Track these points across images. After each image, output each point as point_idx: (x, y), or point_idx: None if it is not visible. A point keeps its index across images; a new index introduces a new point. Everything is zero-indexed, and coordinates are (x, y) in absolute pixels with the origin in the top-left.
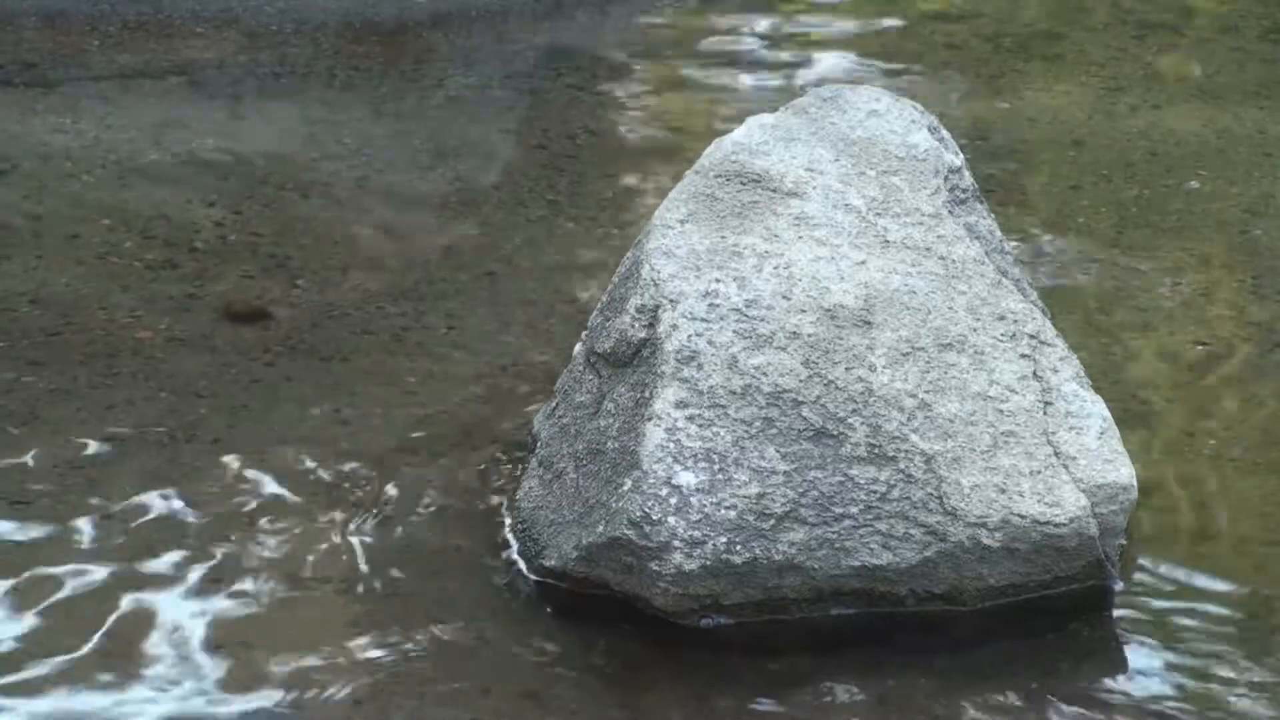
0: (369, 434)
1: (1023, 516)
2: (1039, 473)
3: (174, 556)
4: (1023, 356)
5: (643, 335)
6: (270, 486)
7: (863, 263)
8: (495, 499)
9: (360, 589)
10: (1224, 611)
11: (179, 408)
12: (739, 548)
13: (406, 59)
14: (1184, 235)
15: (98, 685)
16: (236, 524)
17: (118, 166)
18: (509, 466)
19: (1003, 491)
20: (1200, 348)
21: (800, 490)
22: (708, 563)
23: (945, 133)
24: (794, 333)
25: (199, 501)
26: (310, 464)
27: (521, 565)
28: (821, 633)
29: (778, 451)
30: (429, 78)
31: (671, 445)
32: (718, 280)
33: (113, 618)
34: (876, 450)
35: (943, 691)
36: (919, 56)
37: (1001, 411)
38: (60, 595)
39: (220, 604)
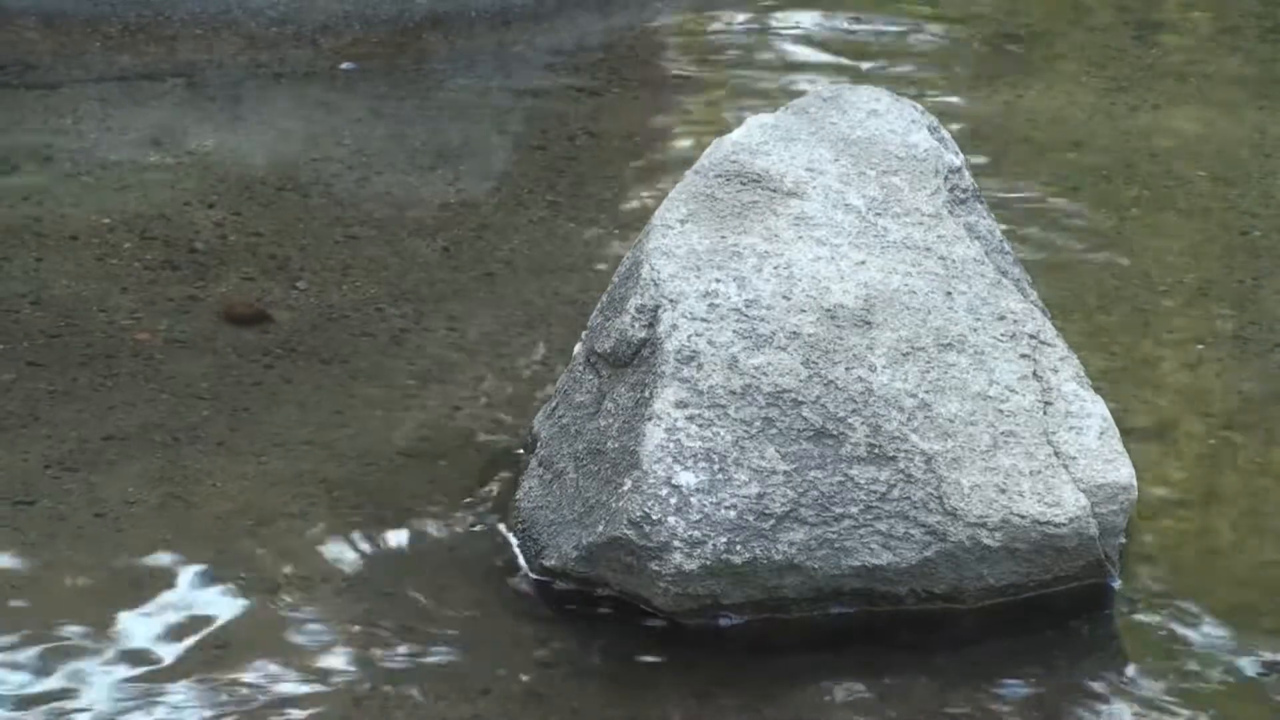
0: (369, 435)
1: (1023, 516)
2: (1039, 473)
3: (173, 557)
4: (1023, 356)
5: (643, 335)
6: (270, 488)
7: (863, 263)
8: (495, 499)
9: (360, 589)
10: (1224, 611)
11: (179, 409)
12: (739, 548)
13: (406, 60)
14: (1184, 236)
15: (97, 685)
16: (236, 525)
17: (118, 168)
18: (509, 467)
19: (1003, 491)
20: (1200, 347)
21: (800, 490)
22: (708, 562)
23: (945, 132)
24: (794, 333)
25: (199, 503)
26: (310, 465)
27: (522, 565)
28: (821, 632)
29: (778, 451)
30: (429, 79)
31: (671, 445)
32: (718, 280)
33: (112, 619)
34: (876, 450)
35: (943, 690)
36: (919, 56)
37: (1001, 411)
38: (60, 596)
39: (220, 604)
